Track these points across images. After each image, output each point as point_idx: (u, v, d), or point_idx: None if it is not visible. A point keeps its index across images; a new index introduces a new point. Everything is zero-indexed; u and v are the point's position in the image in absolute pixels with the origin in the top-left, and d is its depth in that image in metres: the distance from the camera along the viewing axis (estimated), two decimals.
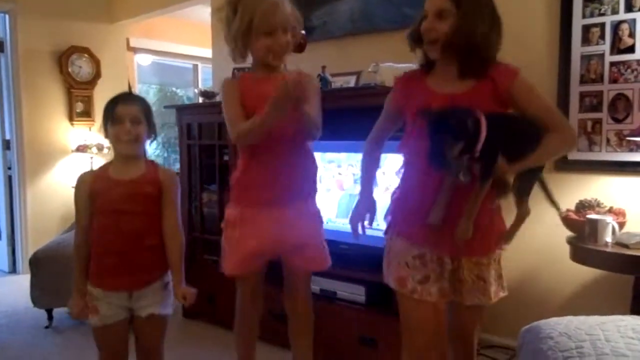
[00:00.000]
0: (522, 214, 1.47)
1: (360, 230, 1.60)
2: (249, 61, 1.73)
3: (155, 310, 1.69)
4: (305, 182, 1.75)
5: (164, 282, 1.71)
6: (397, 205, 1.54)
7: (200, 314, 3.03)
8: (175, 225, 1.71)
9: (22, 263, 4.26)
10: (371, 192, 1.63)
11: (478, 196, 1.36)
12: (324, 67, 2.66)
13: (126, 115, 1.64)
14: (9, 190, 4.36)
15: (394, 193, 1.57)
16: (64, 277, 2.92)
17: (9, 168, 4.35)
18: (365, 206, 1.61)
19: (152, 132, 1.71)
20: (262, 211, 1.69)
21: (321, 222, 1.84)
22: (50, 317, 3.02)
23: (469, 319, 1.57)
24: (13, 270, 4.38)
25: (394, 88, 1.58)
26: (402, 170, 1.54)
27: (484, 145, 1.29)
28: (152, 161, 1.76)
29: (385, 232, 1.58)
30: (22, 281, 3.61)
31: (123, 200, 1.64)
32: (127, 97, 1.74)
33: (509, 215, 1.52)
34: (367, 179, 1.65)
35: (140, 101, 1.72)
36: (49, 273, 2.90)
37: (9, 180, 4.35)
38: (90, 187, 1.67)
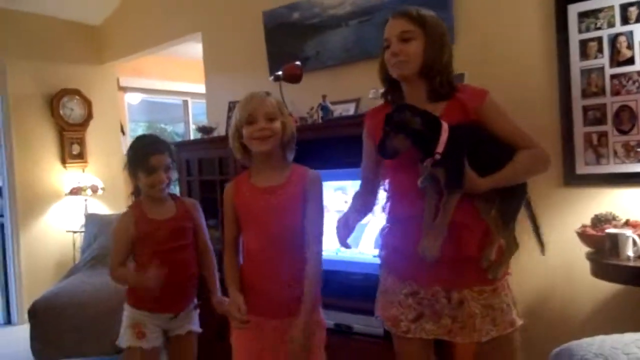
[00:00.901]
0: (510, 245, 1.42)
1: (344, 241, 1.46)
2: None
3: (193, 327, 1.93)
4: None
5: (195, 303, 1.94)
6: (386, 241, 1.52)
7: (210, 356, 2.92)
8: (207, 242, 1.94)
9: (18, 313, 4.12)
10: (354, 209, 1.49)
11: (446, 208, 1.32)
12: (324, 96, 2.65)
13: (160, 166, 1.79)
14: (1, 238, 4.24)
15: (382, 229, 1.54)
16: (66, 327, 2.83)
17: (1, 215, 4.25)
18: (341, 222, 1.45)
19: (177, 173, 1.93)
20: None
21: None
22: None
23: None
24: (8, 321, 4.23)
25: (364, 124, 1.57)
26: (387, 205, 1.52)
27: (446, 150, 1.29)
28: (173, 195, 1.93)
29: (380, 268, 1.56)
30: (19, 332, 3.48)
31: (171, 238, 1.81)
32: (159, 147, 1.83)
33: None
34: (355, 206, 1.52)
35: (169, 148, 1.85)
36: (50, 324, 2.79)
37: (1, 228, 4.24)
38: (135, 229, 1.80)
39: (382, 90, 2.32)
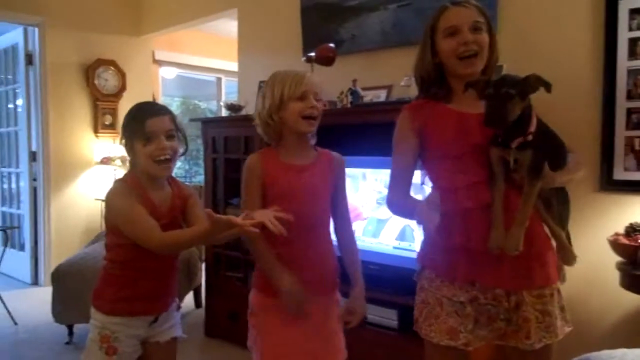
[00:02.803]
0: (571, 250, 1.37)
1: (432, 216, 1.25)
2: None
3: (176, 332, 1.64)
4: None
5: (176, 304, 1.68)
6: (434, 240, 1.36)
7: (222, 333, 2.95)
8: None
9: (44, 275, 4.25)
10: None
11: (528, 198, 1.23)
12: (354, 81, 2.59)
13: (160, 131, 1.48)
14: (33, 201, 4.37)
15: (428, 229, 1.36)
16: (86, 292, 2.88)
17: (34, 179, 4.37)
18: (423, 202, 1.29)
19: (184, 145, 1.57)
20: None
21: None
22: (70, 332, 2.98)
23: None
24: (35, 282, 4.38)
25: (405, 116, 1.40)
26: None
27: (536, 131, 1.22)
28: (172, 179, 1.61)
29: (419, 273, 1.42)
30: (44, 294, 3.59)
31: (163, 227, 1.47)
32: (156, 109, 1.54)
33: None
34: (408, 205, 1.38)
35: (171, 113, 1.55)
36: (71, 288, 2.86)
37: (34, 191, 4.37)
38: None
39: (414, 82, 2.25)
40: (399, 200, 1.39)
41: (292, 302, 1.43)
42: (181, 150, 1.55)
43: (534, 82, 1.24)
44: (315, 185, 1.51)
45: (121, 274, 1.54)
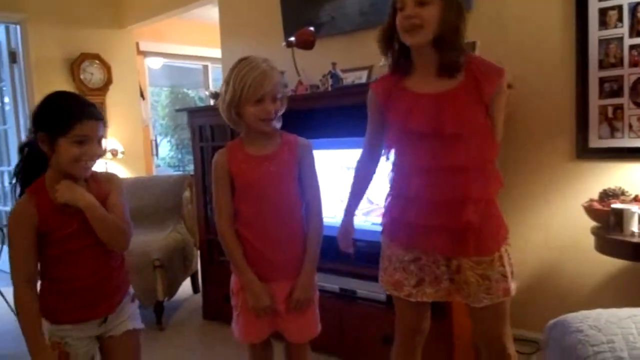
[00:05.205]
0: None
1: (347, 246, 1.69)
2: None
3: (131, 325, 1.58)
4: None
5: (130, 296, 1.62)
6: (389, 211, 1.54)
7: (219, 316, 3.03)
8: (125, 220, 1.50)
9: None
10: (351, 217, 1.67)
11: None
12: (334, 64, 2.63)
13: (94, 136, 1.40)
14: None
15: (387, 196, 1.56)
16: None
17: None
18: (341, 232, 1.68)
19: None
20: None
21: None
22: None
23: (488, 323, 1.50)
24: None
25: (371, 92, 1.53)
26: (391, 174, 1.53)
27: None
28: (92, 172, 1.50)
29: (381, 234, 1.59)
30: None
31: (82, 235, 1.41)
32: (95, 112, 1.43)
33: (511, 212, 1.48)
34: (351, 200, 1.67)
35: (102, 116, 1.45)
36: None
37: None
38: (39, 222, 1.39)
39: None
40: (358, 167, 1.64)
41: (258, 308, 1.58)
42: (102, 153, 1.49)
43: None
44: (276, 173, 1.56)
45: (51, 286, 1.48)
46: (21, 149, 1.50)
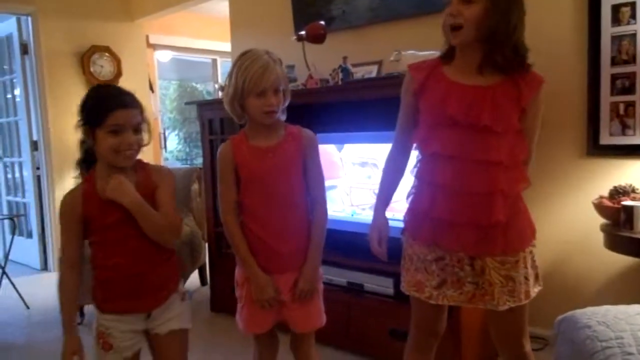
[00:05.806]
0: None
1: (380, 250, 1.54)
2: None
3: (177, 325, 1.56)
4: None
5: (180, 294, 1.59)
6: (413, 206, 1.49)
7: (226, 308, 3.05)
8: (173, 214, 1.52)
9: (54, 261, 4.36)
10: (383, 212, 1.56)
11: None
12: (345, 58, 2.63)
13: (129, 125, 1.42)
14: (38, 189, 4.45)
15: (409, 193, 1.52)
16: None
17: (38, 168, 4.43)
18: (375, 228, 1.54)
19: (149, 135, 1.53)
20: None
21: None
22: (82, 314, 3.08)
23: (509, 326, 1.48)
24: (45, 267, 4.49)
25: (408, 75, 1.48)
26: (419, 165, 1.48)
27: None
28: (141, 163, 1.54)
29: (402, 233, 1.55)
30: (54, 279, 3.68)
31: (127, 222, 1.43)
32: (127, 101, 1.45)
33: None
34: (383, 194, 1.57)
35: (139, 104, 1.48)
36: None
37: (38, 180, 4.44)
38: (83, 210, 1.45)
39: (405, 52, 2.29)
40: (390, 158, 1.56)
41: (262, 300, 1.58)
42: (146, 141, 1.50)
43: None
44: (281, 165, 1.56)
45: (97, 274, 1.52)
46: (81, 143, 1.55)
